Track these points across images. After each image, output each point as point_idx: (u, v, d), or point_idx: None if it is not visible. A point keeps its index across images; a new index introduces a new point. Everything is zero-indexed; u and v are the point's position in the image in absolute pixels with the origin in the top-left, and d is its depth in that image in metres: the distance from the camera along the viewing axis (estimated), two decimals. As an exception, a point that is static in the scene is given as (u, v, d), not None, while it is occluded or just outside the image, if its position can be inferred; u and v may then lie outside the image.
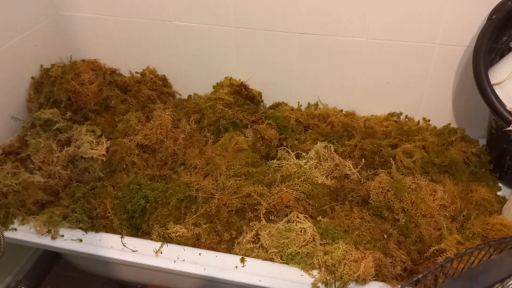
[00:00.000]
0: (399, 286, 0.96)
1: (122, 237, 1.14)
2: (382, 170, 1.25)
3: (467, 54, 1.34)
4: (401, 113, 1.51)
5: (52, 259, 1.62)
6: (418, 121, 1.50)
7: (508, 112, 1.16)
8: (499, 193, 1.27)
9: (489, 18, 1.24)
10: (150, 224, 1.16)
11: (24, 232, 1.16)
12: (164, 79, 1.62)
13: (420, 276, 0.66)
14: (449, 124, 1.47)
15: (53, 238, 1.14)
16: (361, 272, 1.00)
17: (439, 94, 1.44)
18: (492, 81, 1.21)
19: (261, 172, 1.28)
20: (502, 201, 1.23)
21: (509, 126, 1.15)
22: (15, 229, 1.16)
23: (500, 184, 1.30)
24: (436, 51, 1.36)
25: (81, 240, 1.14)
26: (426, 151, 1.33)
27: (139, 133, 1.36)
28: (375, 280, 1.02)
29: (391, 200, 1.14)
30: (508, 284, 0.65)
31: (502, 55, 1.28)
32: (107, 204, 1.18)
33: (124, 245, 1.12)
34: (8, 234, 1.15)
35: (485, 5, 1.25)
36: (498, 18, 1.22)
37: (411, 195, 1.15)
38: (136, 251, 1.11)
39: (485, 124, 1.39)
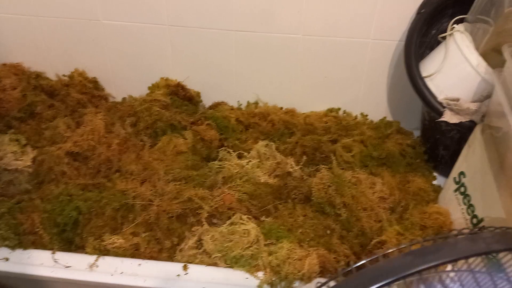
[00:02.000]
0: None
1: (53, 253, 1.06)
2: (323, 166, 1.25)
3: (399, 48, 1.38)
4: (339, 109, 1.53)
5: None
6: (356, 116, 1.52)
7: (439, 103, 1.20)
8: (434, 182, 1.31)
9: (418, 12, 1.27)
10: (83, 237, 1.08)
11: None
12: (95, 82, 1.53)
13: (360, 263, 0.65)
14: (385, 117, 1.51)
15: (-25, 259, 1.04)
16: (306, 270, 1.00)
17: (375, 88, 1.47)
18: (423, 74, 1.24)
19: (202, 174, 1.24)
20: (438, 190, 1.27)
21: (440, 117, 1.19)
22: None
23: (435, 174, 1.34)
24: (370, 46, 1.38)
25: (7, 259, 1.06)
26: (364, 145, 1.35)
27: (68, 140, 1.27)
28: (320, 276, 1.02)
29: (332, 196, 1.14)
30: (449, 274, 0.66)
31: (431, 48, 1.32)
32: (35, 218, 1.09)
33: (55, 261, 1.05)
34: None
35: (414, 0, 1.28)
36: (427, 12, 1.26)
37: (351, 189, 1.16)
38: (69, 266, 1.04)
39: (419, 116, 1.43)
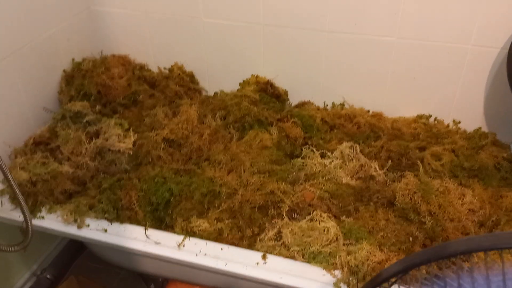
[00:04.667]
0: None
1: (146, 229, 1.15)
2: (409, 172, 1.22)
3: (501, 56, 1.31)
4: (430, 116, 1.48)
5: (77, 250, 1.66)
6: (448, 124, 1.47)
7: (544, 116, 1.12)
8: (531, 200, 1.23)
9: (526, 19, 1.20)
10: (173, 217, 1.16)
11: (51, 221, 1.18)
12: (191, 76, 1.63)
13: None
14: (480, 128, 1.43)
15: (79, 227, 1.16)
16: (385, 274, 0.99)
17: (470, 97, 1.41)
18: (528, 84, 1.17)
19: (285, 170, 1.27)
20: (534, 208, 1.19)
21: (544, 131, 1.11)
22: (43, 217, 1.19)
23: (532, 191, 1.25)
24: (469, 53, 1.33)
25: (106, 231, 1.15)
26: (455, 155, 1.30)
27: (165, 127, 1.38)
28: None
29: (418, 203, 1.11)
30: None
31: (538, 58, 1.24)
32: (133, 195, 1.19)
33: (147, 237, 1.13)
34: (36, 222, 1.18)
35: (521, 6, 1.21)
36: (536, 19, 1.18)
37: (438, 198, 1.12)
38: (159, 243, 1.12)
39: (517, 129, 1.35)
